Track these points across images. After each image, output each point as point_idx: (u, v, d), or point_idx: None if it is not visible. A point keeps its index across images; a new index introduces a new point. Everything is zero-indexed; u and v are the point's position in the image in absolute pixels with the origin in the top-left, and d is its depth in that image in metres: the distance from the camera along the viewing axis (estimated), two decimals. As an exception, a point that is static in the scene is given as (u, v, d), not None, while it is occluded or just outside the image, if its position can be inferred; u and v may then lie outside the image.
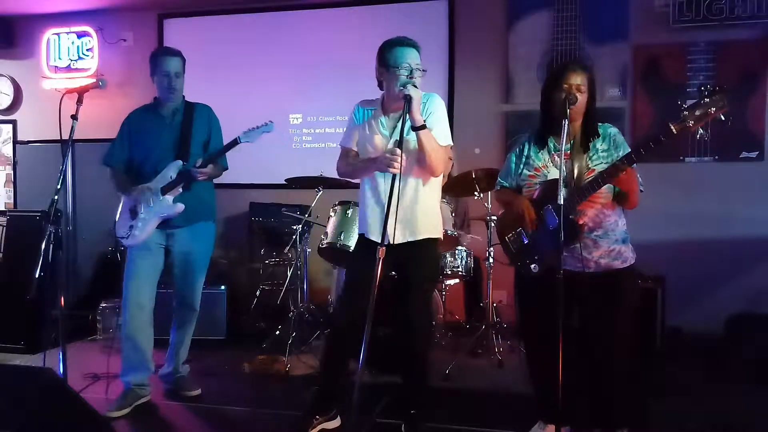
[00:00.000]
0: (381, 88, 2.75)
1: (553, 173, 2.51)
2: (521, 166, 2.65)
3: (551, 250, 2.41)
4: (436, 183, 2.79)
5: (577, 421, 2.70)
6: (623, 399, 2.60)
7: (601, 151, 2.50)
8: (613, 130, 2.55)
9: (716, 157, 4.50)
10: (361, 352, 2.18)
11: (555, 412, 2.52)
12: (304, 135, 5.34)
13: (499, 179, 2.77)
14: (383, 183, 2.67)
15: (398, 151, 2.41)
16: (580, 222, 2.44)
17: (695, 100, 2.20)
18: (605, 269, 2.53)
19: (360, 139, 2.79)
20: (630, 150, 2.40)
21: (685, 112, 2.19)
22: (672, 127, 2.20)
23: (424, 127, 2.53)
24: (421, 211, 2.70)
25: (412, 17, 5.00)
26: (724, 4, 4.44)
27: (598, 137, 2.51)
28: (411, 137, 2.58)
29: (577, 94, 2.43)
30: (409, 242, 2.66)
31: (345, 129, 2.89)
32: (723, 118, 2.19)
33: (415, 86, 2.50)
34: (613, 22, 4.64)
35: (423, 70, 2.62)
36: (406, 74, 2.56)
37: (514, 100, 4.89)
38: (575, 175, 2.47)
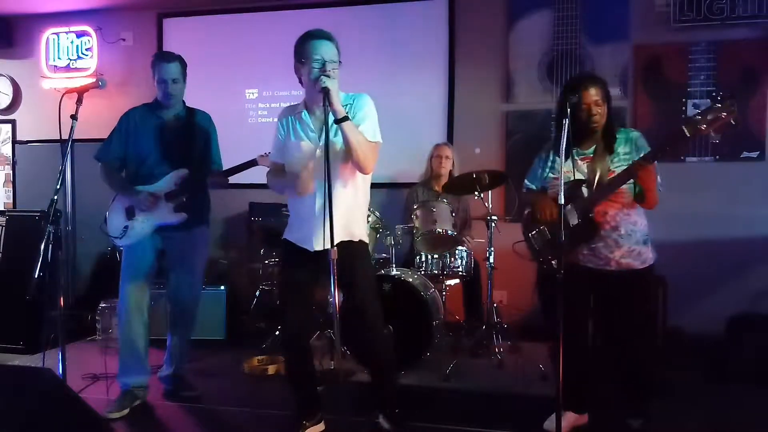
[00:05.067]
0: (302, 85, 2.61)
1: (577, 175, 2.65)
2: (546, 170, 2.81)
3: (569, 248, 2.59)
4: (363, 183, 2.66)
5: (594, 407, 2.89)
6: (632, 396, 2.78)
7: (623, 154, 2.63)
8: (635, 134, 2.68)
9: (717, 157, 4.49)
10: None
11: (575, 399, 2.78)
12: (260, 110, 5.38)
13: (525, 181, 2.93)
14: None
15: None
16: (599, 221, 2.59)
17: (708, 105, 2.35)
18: (626, 269, 2.65)
19: (288, 150, 2.63)
20: (649, 150, 2.54)
21: (698, 116, 2.33)
22: (685, 130, 2.35)
23: (346, 118, 2.41)
24: (342, 214, 2.52)
25: (412, 17, 4.99)
26: (725, 4, 4.42)
27: (614, 141, 2.63)
28: (337, 138, 2.46)
29: (597, 108, 2.59)
30: (339, 244, 2.39)
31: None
32: (733, 123, 2.31)
33: (329, 77, 2.40)
34: (614, 21, 4.63)
35: (338, 62, 2.50)
36: (318, 67, 2.45)
37: (514, 100, 4.88)
38: (597, 177, 2.61)
